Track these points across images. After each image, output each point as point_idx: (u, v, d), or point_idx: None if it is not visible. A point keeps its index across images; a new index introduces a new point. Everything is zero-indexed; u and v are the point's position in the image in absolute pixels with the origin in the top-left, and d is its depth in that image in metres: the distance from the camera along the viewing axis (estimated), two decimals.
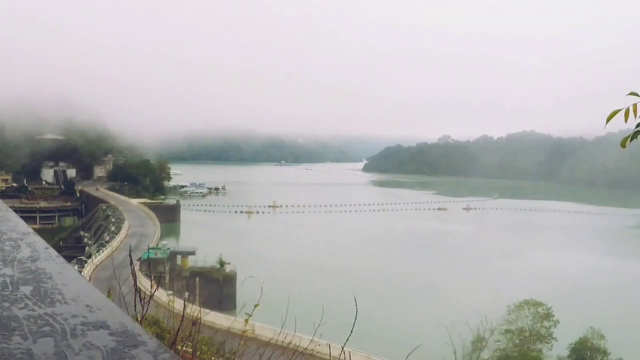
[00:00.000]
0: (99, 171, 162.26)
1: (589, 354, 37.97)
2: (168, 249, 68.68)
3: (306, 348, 5.01)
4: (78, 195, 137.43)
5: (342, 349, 4.60)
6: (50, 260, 2.25)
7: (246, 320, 4.84)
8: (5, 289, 1.84)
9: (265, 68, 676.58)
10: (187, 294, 53.10)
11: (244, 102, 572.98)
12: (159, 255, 63.56)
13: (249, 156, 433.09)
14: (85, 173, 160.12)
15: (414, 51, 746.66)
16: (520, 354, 38.51)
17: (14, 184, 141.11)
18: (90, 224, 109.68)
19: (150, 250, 63.72)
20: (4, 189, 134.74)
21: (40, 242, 2.53)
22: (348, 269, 76.78)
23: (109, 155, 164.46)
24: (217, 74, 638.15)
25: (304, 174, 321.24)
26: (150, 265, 57.04)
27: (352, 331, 4.30)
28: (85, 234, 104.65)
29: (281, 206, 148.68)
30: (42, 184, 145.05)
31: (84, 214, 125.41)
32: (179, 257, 68.31)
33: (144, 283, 37.43)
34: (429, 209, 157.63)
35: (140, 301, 3.75)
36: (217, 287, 61.46)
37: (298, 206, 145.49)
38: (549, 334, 41.16)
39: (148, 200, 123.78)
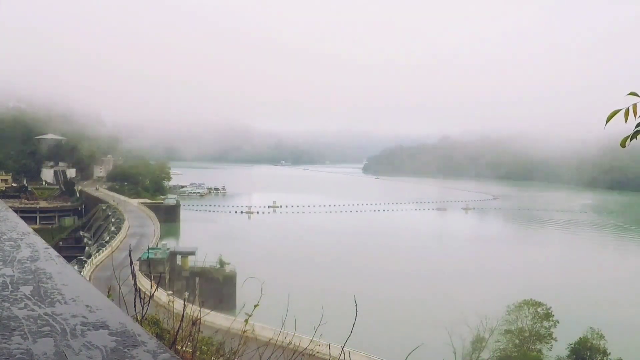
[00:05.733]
0: (99, 171, 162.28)
1: (588, 354, 37.93)
2: (168, 249, 68.68)
3: (306, 348, 5.01)
4: (78, 195, 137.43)
5: (342, 349, 4.60)
6: (50, 260, 2.25)
7: (246, 320, 4.84)
8: (5, 289, 1.84)
9: (264, 68, 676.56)
10: (187, 294, 53.10)
11: (243, 102, 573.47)
12: (159, 255, 63.55)
13: (248, 157, 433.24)
14: (85, 173, 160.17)
15: (414, 50, 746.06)
16: (520, 354, 38.48)
17: (14, 184, 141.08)
18: (90, 224, 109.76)
19: (150, 250, 63.69)
20: (4, 189, 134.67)
21: (40, 242, 2.53)
22: (348, 269, 76.83)
23: (109, 155, 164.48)
24: (216, 74, 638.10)
25: (303, 175, 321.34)
26: (150, 265, 57.01)
27: (352, 331, 4.30)
28: (85, 234, 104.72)
29: (281, 206, 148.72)
30: (42, 184, 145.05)
31: (83, 214, 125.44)
32: (179, 257, 68.33)
33: (144, 283, 37.45)
34: (428, 209, 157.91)
35: (140, 301, 3.75)
36: (217, 287, 61.44)
37: (298, 206, 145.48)
38: (549, 334, 41.12)
39: (148, 200, 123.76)
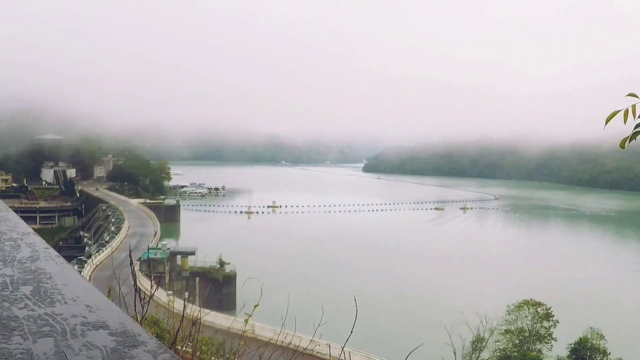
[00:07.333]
0: (99, 171, 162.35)
1: (588, 354, 37.90)
2: (168, 249, 68.64)
3: (306, 348, 5.01)
4: (78, 195, 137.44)
5: (342, 349, 4.61)
6: (50, 260, 2.26)
7: (246, 321, 4.84)
8: (5, 289, 1.85)
9: (263, 68, 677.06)
10: (187, 294, 53.09)
11: (243, 102, 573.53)
12: (159, 256, 63.52)
13: (248, 157, 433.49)
14: (85, 173, 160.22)
15: (415, 49, 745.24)
16: (520, 354, 38.45)
17: (14, 184, 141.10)
18: (90, 224, 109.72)
19: (150, 251, 63.68)
20: (4, 189, 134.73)
21: (40, 242, 2.54)
22: (348, 269, 76.78)
23: (109, 155, 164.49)
24: (215, 74, 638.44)
25: (303, 175, 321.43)
26: (150, 265, 57.02)
27: (352, 331, 4.30)
28: (85, 234, 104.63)
29: (280, 206, 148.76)
30: (42, 184, 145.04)
31: (83, 214, 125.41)
32: (179, 257, 68.29)
33: (144, 283, 37.46)
34: (426, 209, 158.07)
35: (140, 301, 3.75)
36: (217, 287, 61.43)
37: (297, 206, 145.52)
38: (549, 334, 41.08)
39: (148, 200, 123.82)
